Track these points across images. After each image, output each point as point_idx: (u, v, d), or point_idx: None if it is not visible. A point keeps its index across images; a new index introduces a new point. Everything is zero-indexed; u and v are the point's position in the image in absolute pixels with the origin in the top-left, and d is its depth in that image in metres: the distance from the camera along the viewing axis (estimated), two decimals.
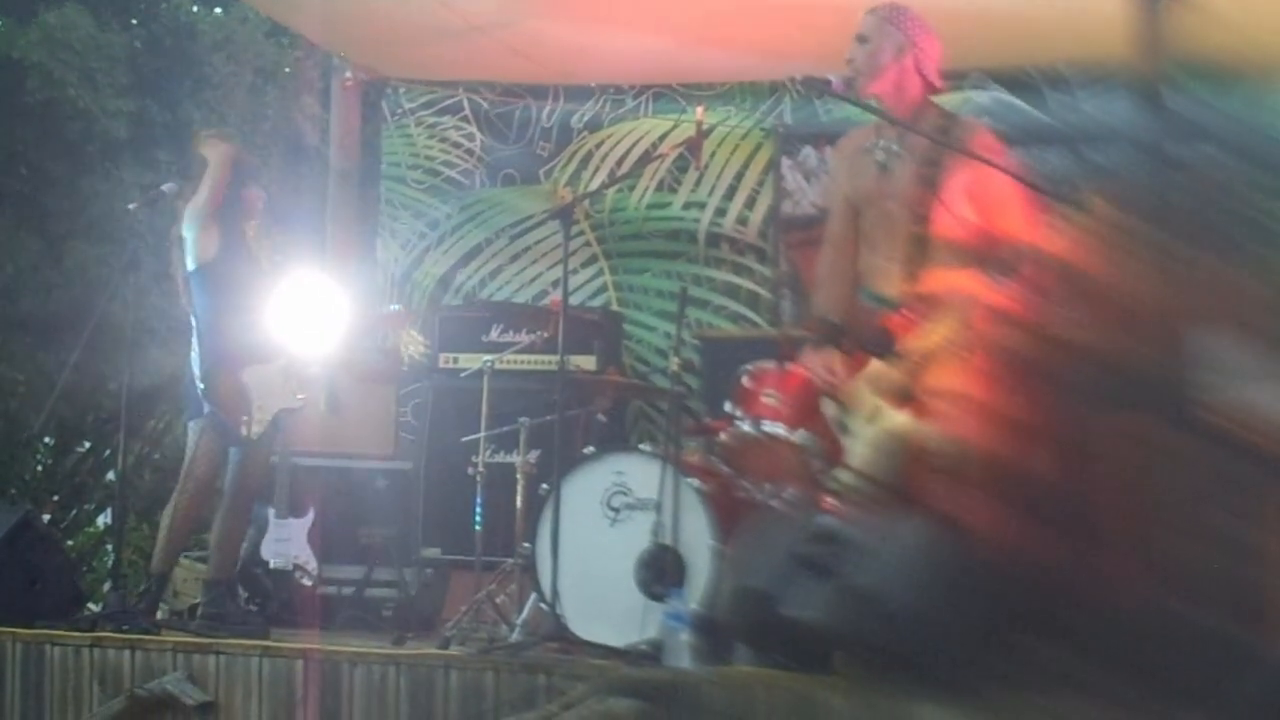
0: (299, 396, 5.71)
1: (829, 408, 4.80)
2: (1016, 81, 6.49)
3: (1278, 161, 3.20)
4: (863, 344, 4.85)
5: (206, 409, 5.60)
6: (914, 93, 4.71)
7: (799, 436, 5.20)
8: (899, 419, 4.56)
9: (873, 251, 4.76)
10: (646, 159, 7.20)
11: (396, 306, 6.86)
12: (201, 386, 5.56)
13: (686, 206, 7.24)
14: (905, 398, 4.56)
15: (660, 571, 5.06)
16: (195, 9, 9.81)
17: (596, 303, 7.28)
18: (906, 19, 4.73)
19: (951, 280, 4.51)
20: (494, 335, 6.73)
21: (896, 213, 4.67)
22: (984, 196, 4.44)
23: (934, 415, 4.46)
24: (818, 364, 4.83)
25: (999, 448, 4.22)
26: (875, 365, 4.65)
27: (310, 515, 6.55)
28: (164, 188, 6.26)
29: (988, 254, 4.39)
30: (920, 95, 4.72)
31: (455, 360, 6.74)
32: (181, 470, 5.77)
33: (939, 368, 4.48)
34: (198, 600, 6.32)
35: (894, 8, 4.76)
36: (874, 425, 4.63)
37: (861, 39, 4.74)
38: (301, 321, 5.83)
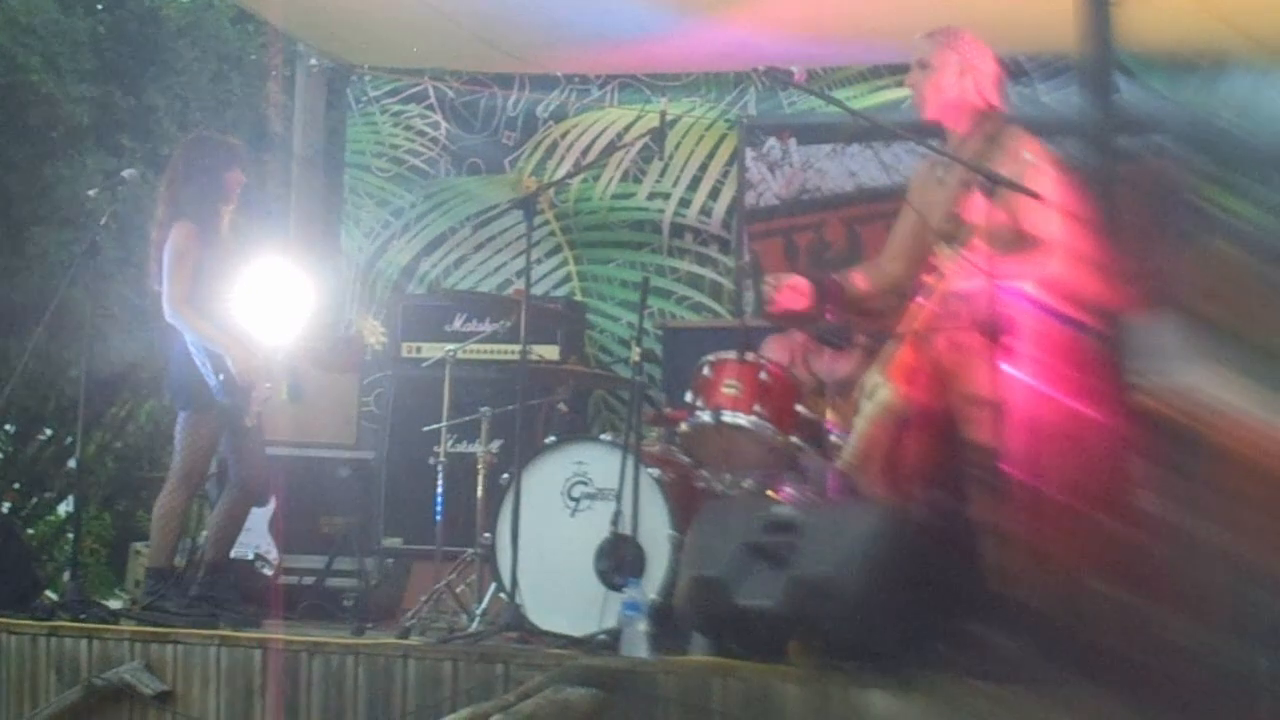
0: (268, 386, 5.68)
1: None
2: None
3: (1226, 150, 3.23)
4: (819, 335, 4.94)
5: (223, 401, 5.54)
6: (971, 112, 4.81)
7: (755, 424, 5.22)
8: (884, 392, 4.64)
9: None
10: (611, 149, 7.19)
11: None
12: (221, 378, 5.50)
13: (651, 197, 7.24)
14: (913, 378, 4.67)
15: (619, 561, 5.06)
16: None
17: (561, 292, 7.27)
18: (964, 42, 4.85)
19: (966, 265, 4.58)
20: (457, 325, 6.72)
21: (947, 215, 4.79)
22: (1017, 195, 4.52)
23: (972, 419, 4.51)
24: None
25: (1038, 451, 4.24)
26: (889, 346, 4.73)
27: (272, 504, 6.54)
28: (125, 174, 6.24)
29: (1009, 240, 4.47)
30: (978, 113, 4.81)
31: (418, 350, 6.73)
32: (177, 464, 5.67)
33: (973, 364, 4.53)
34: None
35: (951, 33, 4.87)
36: (871, 401, 4.70)
37: (922, 65, 4.86)
38: (264, 309, 5.80)
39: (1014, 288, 4.49)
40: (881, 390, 4.69)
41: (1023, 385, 4.35)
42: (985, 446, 4.47)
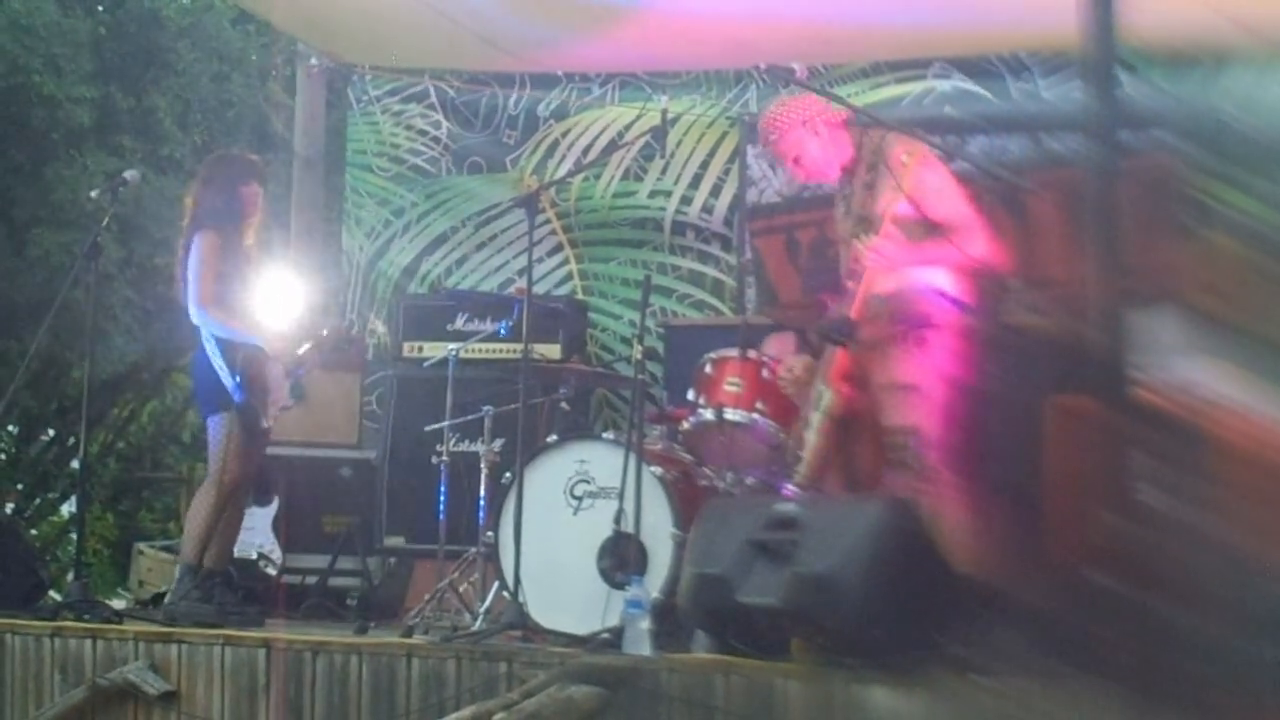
0: (289, 399, 5.71)
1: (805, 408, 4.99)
2: (979, 70, 6.49)
3: (1226, 145, 3.23)
4: (822, 333, 4.98)
5: (240, 400, 5.55)
6: (823, 162, 5.06)
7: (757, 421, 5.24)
8: (827, 397, 4.72)
9: None
10: (613, 147, 7.18)
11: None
12: (238, 379, 5.52)
13: (652, 195, 7.22)
14: (851, 379, 4.81)
15: (622, 559, 5.07)
16: None
17: (562, 291, 7.27)
18: (764, 137, 5.23)
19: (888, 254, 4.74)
20: (459, 324, 6.72)
21: (855, 216, 4.95)
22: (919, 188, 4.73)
23: (889, 405, 4.60)
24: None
25: (954, 432, 4.29)
26: (828, 352, 4.79)
27: (275, 504, 6.56)
28: (126, 175, 6.25)
29: (919, 230, 4.68)
30: (834, 157, 5.03)
31: (420, 349, 6.73)
32: (212, 465, 5.67)
33: (889, 355, 4.64)
34: (162, 590, 6.31)
35: (765, 123, 5.19)
36: (818, 411, 4.76)
37: (785, 160, 5.25)
38: (272, 314, 5.81)
39: (929, 285, 4.69)
40: (825, 396, 4.82)
41: (940, 372, 4.52)
42: (902, 428, 4.63)
